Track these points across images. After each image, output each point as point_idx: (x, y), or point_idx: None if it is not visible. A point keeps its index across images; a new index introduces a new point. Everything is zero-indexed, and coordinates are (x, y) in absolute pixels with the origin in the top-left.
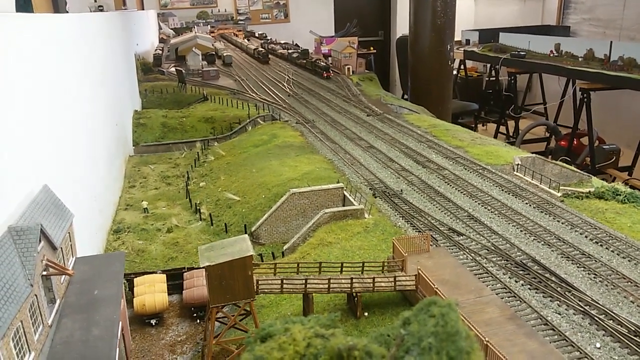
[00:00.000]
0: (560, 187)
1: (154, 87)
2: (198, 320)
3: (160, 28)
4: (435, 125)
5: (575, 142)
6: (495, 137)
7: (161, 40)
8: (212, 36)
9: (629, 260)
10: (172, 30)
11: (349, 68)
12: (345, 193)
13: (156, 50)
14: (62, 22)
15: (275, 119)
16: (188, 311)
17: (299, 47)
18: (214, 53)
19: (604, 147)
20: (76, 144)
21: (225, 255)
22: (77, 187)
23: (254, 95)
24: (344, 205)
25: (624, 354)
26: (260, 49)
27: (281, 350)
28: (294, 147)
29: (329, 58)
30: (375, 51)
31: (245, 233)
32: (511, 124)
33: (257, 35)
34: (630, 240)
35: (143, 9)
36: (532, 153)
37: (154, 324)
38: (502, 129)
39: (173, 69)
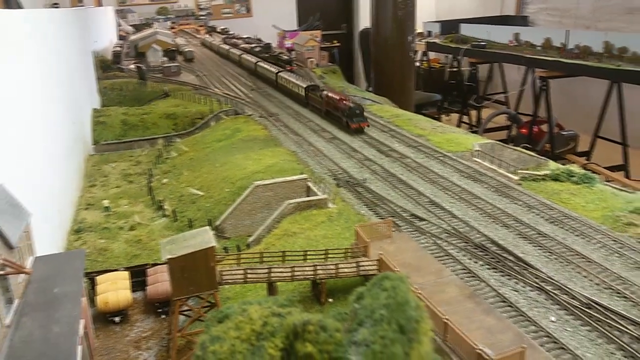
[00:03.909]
0: (518, 171)
1: (113, 85)
2: (163, 316)
3: (119, 25)
4: (397, 115)
5: (535, 130)
6: (459, 126)
7: (120, 37)
8: (173, 32)
9: (582, 238)
10: (131, 27)
11: (312, 61)
12: (309, 184)
13: (115, 47)
14: (13, 17)
15: (239, 114)
16: (153, 307)
17: (261, 41)
18: (174, 49)
19: (563, 133)
20: (31, 143)
21: (186, 248)
22: (34, 186)
23: (216, 90)
24: (308, 196)
25: (577, 325)
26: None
27: (238, 329)
28: (258, 140)
29: (292, 52)
30: (339, 44)
31: (209, 227)
32: (474, 113)
33: (218, 30)
34: (584, 219)
35: (101, 5)
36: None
37: (117, 321)
38: (466, 118)
39: (133, 66)
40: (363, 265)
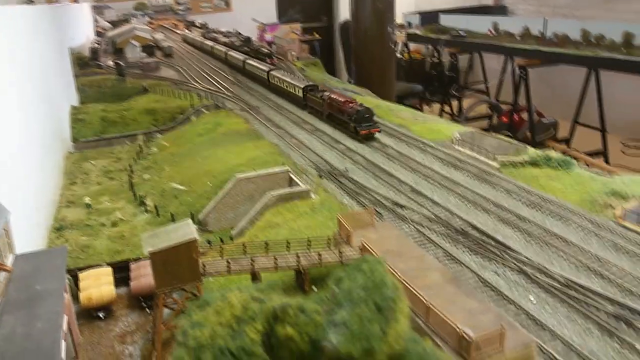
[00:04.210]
0: (497, 158)
1: (92, 82)
2: (148, 310)
3: (96, 21)
4: (378, 105)
5: (515, 118)
6: (440, 116)
7: (98, 34)
8: (151, 27)
9: (560, 221)
10: (108, 23)
11: (292, 54)
12: (292, 175)
13: (93, 43)
14: None
15: (220, 108)
16: (137, 302)
17: (241, 35)
18: (153, 44)
19: (543, 121)
20: (6, 141)
21: (169, 241)
22: (12, 185)
23: (196, 85)
24: (290, 188)
25: (556, 304)
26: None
27: (218, 314)
28: (239, 134)
29: (273, 45)
30: (320, 37)
31: (192, 221)
32: (456, 103)
33: (197, 24)
34: (562, 202)
35: (77, 2)
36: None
37: (102, 316)
38: (448, 109)
39: (111, 62)
40: (346, 254)
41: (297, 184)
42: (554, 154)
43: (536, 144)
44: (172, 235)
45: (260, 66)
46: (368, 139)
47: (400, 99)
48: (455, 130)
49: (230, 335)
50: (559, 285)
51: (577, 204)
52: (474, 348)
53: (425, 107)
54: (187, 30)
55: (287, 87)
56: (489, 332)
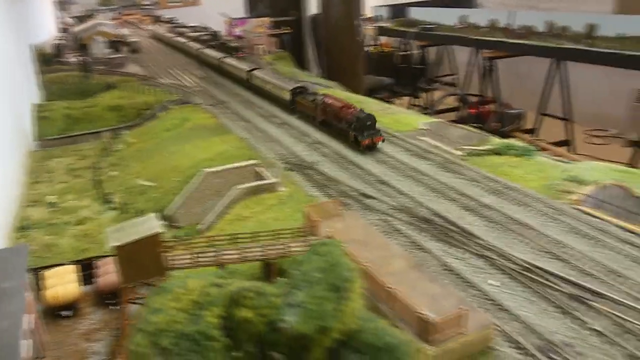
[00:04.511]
0: (462, 147)
1: (55, 79)
2: (114, 307)
3: (59, 17)
4: (348, 98)
5: (483, 109)
6: (410, 109)
7: (62, 30)
8: (118, 23)
9: (522, 207)
10: (72, 19)
11: (261, 48)
12: (260, 169)
13: (56, 39)
14: None
15: (187, 103)
16: (103, 300)
17: (207, 29)
18: (119, 40)
19: (510, 112)
20: None
21: (133, 235)
22: None
23: (163, 80)
24: (258, 181)
25: (516, 287)
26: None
27: (177, 300)
28: (207, 128)
29: (241, 39)
30: (290, 30)
31: (160, 218)
32: (425, 96)
33: (164, 19)
34: (524, 189)
35: None
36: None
37: (67, 315)
38: (418, 102)
39: (76, 59)
40: (312, 244)
41: (265, 177)
42: (516, 142)
43: (504, 135)
44: (137, 229)
45: (240, 66)
46: (370, 149)
47: (371, 92)
48: (422, 121)
49: (189, 320)
50: (519, 269)
51: (537, 190)
52: (435, 330)
53: (397, 101)
54: (153, 26)
55: (271, 89)
56: (449, 315)
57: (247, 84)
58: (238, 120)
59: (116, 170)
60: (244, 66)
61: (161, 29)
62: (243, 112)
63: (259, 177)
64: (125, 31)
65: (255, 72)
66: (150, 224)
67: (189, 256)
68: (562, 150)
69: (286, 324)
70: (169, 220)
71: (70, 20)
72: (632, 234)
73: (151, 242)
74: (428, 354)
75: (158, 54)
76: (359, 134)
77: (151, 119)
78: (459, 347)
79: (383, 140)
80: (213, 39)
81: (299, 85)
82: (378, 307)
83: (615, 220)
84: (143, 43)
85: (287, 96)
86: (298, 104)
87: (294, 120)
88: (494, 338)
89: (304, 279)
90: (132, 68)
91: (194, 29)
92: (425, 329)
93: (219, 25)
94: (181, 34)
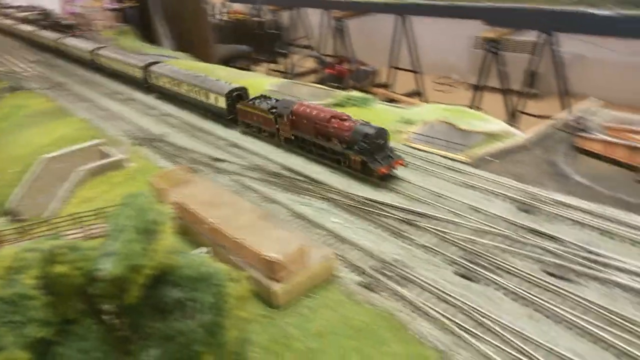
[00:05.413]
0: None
1: None
2: None
3: None
4: (196, 67)
5: (339, 69)
6: (270, 75)
7: None
8: None
9: None
10: None
11: (100, 24)
12: (105, 147)
13: None
14: None
15: (17, 89)
16: None
17: (35, 8)
18: None
19: (364, 69)
20: None
21: None
22: None
23: None
24: (103, 160)
25: (354, 221)
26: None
27: None
28: (45, 113)
29: (79, 16)
30: (136, 3)
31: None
32: (285, 60)
33: None
34: None
35: None
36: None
37: None
38: (278, 67)
39: None
40: None
41: (110, 155)
42: (355, 94)
43: (362, 90)
44: None
45: (133, 62)
46: (385, 179)
47: (228, 62)
48: (270, 82)
49: (5, 284)
50: (358, 205)
51: None
52: (280, 269)
53: (257, 68)
54: None
55: (190, 92)
56: (290, 253)
57: (92, 64)
58: (79, 101)
59: None
60: (86, 45)
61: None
62: (84, 92)
63: (105, 156)
64: None
65: (153, 68)
66: None
67: (23, 244)
68: (413, 99)
69: (101, 271)
70: (12, 214)
71: None
72: (455, 162)
73: None
74: (278, 291)
75: None
76: (370, 159)
77: None
78: (304, 280)
79: (405, 165)
80: (44, 19)
81: (235, 87)
82: (229, 259)
83: (440, 152)
84: None
85: (221, 103)
86: (240, 113)
87: (139, 95)
88: (337, 267)
89: (116, 229)
90: None
91: (22, 8)
92: (272, 269)
93: (53, 3)
94: (7, 16)
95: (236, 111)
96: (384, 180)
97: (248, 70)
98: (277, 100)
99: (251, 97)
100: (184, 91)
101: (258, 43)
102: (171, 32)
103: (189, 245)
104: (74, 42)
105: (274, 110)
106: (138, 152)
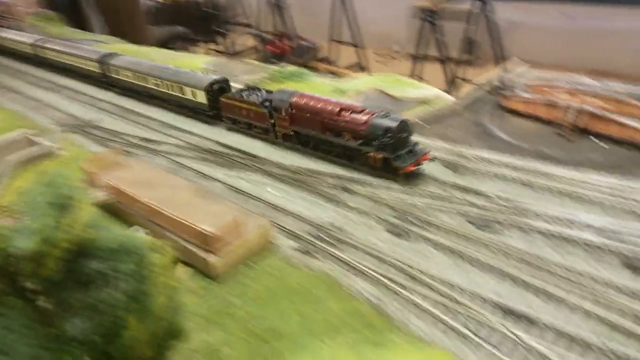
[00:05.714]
0: (243, 80)
1: None
2: None
3: None
4: (126, 50)
5: (280, 45)
6: (209, 55)
7: None
8: None
9: None
10: None
11: (24, 11)
12: (33, 137)
13: None
14: None
15: None
16: None
17: None
18: None
19: (305, 44)
20: None
21: None
22: None
23: None
24: (29, 150)
25: (289, 190)
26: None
27: None
28: None
29: (2, 5)
30: None
31: None
32: (225, 40)
33: None
34: None
35: None
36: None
37: None
38: (219, 47)
39: None
40: (92, 197)
41: (39, 144)
42: (290, 68)
43: (304, 66)
44: None
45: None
46: (409, 176)
47: (165, 44)
48: (203, 61)
49: None
50: (287, 173)
51: None
52: (215, 241)
53: (196, 49)
54: None
55: (168, 88)
56: (224, 225)
57: (35, 59)
58: (5, 93)
59: None
60: (26, 39)
61: None
62: (10, 83)
63: (34, 145)
64: None
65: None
66: None
67: None
68: (356, 73)
69: (16, 249)
70: None
71: None
72: None
73: None
74: (215, 262)
75: None
76: (393, 155)
77: None
78: (241, 250)
79: (432, 159)
80: None
81: (216, 78)
82: (166, 236)
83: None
84: None
85: (201, 99)
86: (225, 108)
87: (68, 82)
88: (273, 235)
89: (27, 207)
90: None
91: None
92: (207, 242)
93: None
94: None
95: (219, 106)
96: (407, 178)
97: (187, 51)
98: (269, 92)
99: (234, 89)
100: (152, 85)
101: (196, 24)
102: (103, 17)
103: (124, 226)
104: (10, 35)
105: (267, 104)
106: (70, 140)
